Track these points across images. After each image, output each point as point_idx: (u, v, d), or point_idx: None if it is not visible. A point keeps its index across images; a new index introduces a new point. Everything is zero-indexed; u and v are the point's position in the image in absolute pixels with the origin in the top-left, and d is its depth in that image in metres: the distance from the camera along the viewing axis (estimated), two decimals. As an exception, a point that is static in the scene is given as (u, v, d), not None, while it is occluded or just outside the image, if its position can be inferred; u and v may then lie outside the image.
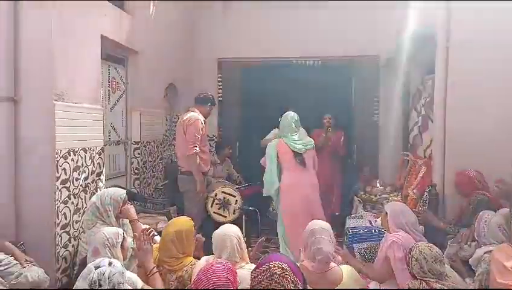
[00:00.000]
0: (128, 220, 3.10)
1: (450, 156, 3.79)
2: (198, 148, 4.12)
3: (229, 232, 2.52)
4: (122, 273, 1.95)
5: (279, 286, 1.67)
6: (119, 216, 3.02)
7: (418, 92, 4.81)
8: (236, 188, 4.72)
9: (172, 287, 2.55)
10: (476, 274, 2.70)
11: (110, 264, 1.92)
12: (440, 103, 3.84)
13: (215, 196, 4.41)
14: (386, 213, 3.06)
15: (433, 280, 2.26)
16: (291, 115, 4.39)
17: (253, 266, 2.19)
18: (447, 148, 3.82)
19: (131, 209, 3.11)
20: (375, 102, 6.31)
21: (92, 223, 2.97)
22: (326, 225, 2.58)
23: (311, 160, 4.31)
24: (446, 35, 3.79)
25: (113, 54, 4.33)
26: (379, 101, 6.31)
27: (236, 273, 1.93)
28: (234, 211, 4.42)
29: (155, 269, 2.55)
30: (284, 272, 1.69)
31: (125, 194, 3.04)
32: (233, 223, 2.83)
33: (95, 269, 1.88)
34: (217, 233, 2.55)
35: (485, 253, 2.70)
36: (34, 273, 2.70)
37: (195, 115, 4.25)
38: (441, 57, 3.82)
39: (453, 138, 3.76)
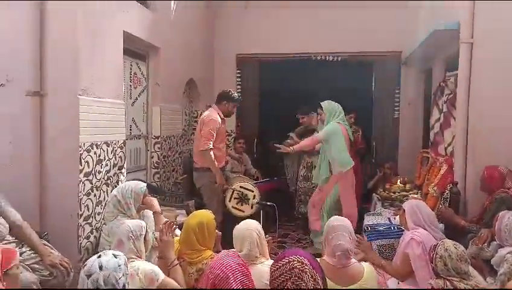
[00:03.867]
0: (148, 213, 3.17)
1: (472, 154, 3.73)
2: (211, 145, 4.16)
3: (250, 228, 2.53)
4: (119, 267, 1.88)
5: (298, 279, 1.68)
6: (142, 207, 3.08)
7: (440, 88, 4.73)
8: (254, 184, 4.74)
9: (192, 279, 2.58)
10: (498, 274, 2.65)
11: (100, 267, 1.84)
12: (463, 100, 3.78)
13: (233, 190, 4.44)
14: (404, 210, 3.04)
15: (457, 279, 2.23)
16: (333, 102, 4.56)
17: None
18: (469, 146, 3.76)
19: (155, 201, 3.18)
20: (396, 99, 6.25)
21: (113, 216, 3.05)
22: (346, 222, 2.57)
23: None
24: (469, 30, 3.72)
25: (135, 50, 4.38)
26: (400, 98, 6.24)
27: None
28: (252, 206, 4.44)
29: (176, 261, 2.59)
30: (303, 266, 1.70)
31: (145, 187, 3.10)
32: (251, 218, 2.85)
33: (88, 278, 1.81)
34: (238, 228, 2.57)
35: (508, 253, 2.66)
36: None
37: (212, 112, 4.33)
38: (464, 53, 3.75)
39: (475, 136, 3.69)
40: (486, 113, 3.60)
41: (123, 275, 1.89)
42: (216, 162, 4.32)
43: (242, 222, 2.66)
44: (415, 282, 2.78)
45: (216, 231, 3.04)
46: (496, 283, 2.65)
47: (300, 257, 1.73)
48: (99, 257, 1.89)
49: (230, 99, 4.48)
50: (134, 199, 3.04)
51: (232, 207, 4.42)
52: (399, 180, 5.08)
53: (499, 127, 3.53)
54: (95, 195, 3.27)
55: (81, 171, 3.09)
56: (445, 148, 4.45)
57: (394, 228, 3.73)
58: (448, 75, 4.45)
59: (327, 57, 6.33)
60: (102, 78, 3.40)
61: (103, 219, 3.35)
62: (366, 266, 2.46)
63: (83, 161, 3.11)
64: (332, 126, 4.45)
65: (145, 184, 3.17)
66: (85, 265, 1.88)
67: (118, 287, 1.85)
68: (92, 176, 3.23)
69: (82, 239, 3.15)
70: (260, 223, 2.69)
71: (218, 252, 2.70)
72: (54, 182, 3.10)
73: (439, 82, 4.82)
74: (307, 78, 7.03)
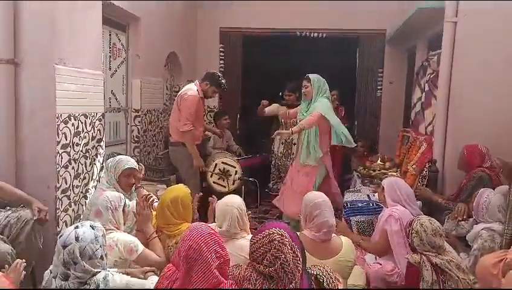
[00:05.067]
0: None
1: (452, 133, 3.78)
2: (191, 126, 4.06)
3: (232, 204, 2.52)
4: (95, 239, 1.84)
5: (277, 251, 1.68)
6: (126, 182, 3.05)
7: (422, 67, 4.75)
8: (236, 160, 4.73)
9: (171, 252, 2.58)
10: (472, 249, 2.73)
11: (77, 239, 1.80)
12: (445, 79, 3.80)
13: (216, 166, 4.42)
14: (383, 188, 3.09)
15: (432, 254, 2.29)
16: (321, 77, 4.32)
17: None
18: (449, 125, 3.81)
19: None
20: (379, 77, 6.26)
21: (104, 181, 3.06)
22: (326, 197, 2.59)
23: None
24: (454, 9, 3.71)
25: (114, 19, 4.24)
26: (383, 77, 6.26)
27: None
28: (234, 181, 4.44)
29: (154, 234, 2.59)
30: (283, 239, 1.71)
31: (128, 167, 3.04)
32: (233, 194, 2.85)
33: (63, 249, 1.78)
34: (220, 203, 2.56)
35: (482, 229, 2.73)
36: None
37: (193, 90, 4.15)
38: (448, 32, 3.75)
39: (456, 115, 3.73)
40: (468, 93, 3.63)
41: (100, 246, 1.86)
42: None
43: (225, 197, 2.64)
44: (392, 258, 2.85)
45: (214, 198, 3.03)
46: (469, 258, 2.73)
47: (280, 229, 1.74)
48: (77, 227, 1.85)
49: (212, 83, 4.26)
50: (114, 169, 3.02)
51: (214, 182, 4.42)
52: (379, 159, 5.14)
53: (480, 107, 3.58)
54: (73, 168, 3.20)
55: (58, 142, 3.01)
56: (426, 128, 4.50)
57: (373, 204, 3.79)
58: (431, 54, 4.46)
59: (311, 34, 6.26)
60: (80, 48, 3.28)
61: (82, 191, 3.31)
62: (344, 240, 2.50)
63: (60, 132, 3.02)
64: (326, 102, 4.25)
65: (133, 166, 3.09)
66: (61, 235, 1.85)
67: (95, 259, 1.83)
68: (69, 148, 3.15)
69: (60, 212, 3.09)
70: (241, 198, 2.68)
71: None
72: (30, 154, 3.01)
73: (422, 61, 4.84)
74: (290, 54, 6.98)
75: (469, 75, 3.62)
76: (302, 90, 4.38)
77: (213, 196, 3.02)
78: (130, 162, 3.10)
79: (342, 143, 4.29)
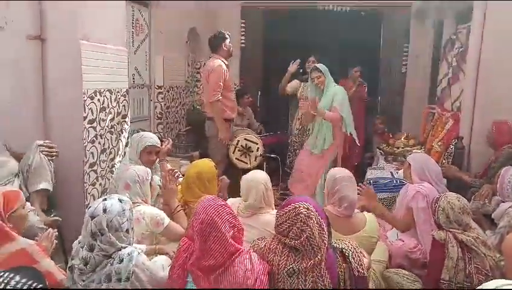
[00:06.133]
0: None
1: (480, 109, 3.68)
2: (220, 96, 4.05)
3: (257, 178, 2.52)
4: (123, 211, 1.86)
5: (304, 225, 1.69)
6: (148, 158, 3.10)
7: (450, 41, 4.60)
8: (258, 137, 4.73)
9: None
10: (498, 227, 2.69)
11: (104, 210, 1.82)
12: (474, 53, 3.67)
13: (238, 142, 4.43)
14: (409, 164, 3.03)
15: (458, 231, 2.26)
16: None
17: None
18: (477, 101, 3.70)
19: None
20: (404, 53, 6.08)
21: (129, 156, 3.16)
22: (347, 172, 2.58)
23: None
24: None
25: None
26: (408, 52, 6.08)
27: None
28: (256, 158, 4.44)
29: (179, 208, 2.63)
30: (309, 212, 1.71)
31: (150, 144, 3.09)
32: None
33: (91, 220, 1.81)
34: (246, 178, 2.56)
35: (509, 207, 2.68)
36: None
37: (217, 61, 4.12)
38: (478, 4, 3.61)
39: (485, 91, 3.62)
40: (498, 67, 3.51)
41: (127, 220, 1.88)
42: (229, 113, 4.23)
43: (250, 172, 2.65)
44: (415, 234, 2.83)
45: (225, 177, 3.07)
46: (495, 236, 2.69)
47: (306, 203, 1.74)
48: (105, 199, 1.88)
49: (225, 39, 4.20)
50: (137, 145, 3.09)
51: (236, 159, 4.43)
52: (403, 136, 5.07)
53: (509, 81, 3.46)
54: (99, 143, 3.27)
55: (85, 118, 3.07)
56: (452, 104, 4.39)
57: (396, 181, 3.75)
58: (459, 27, 4.31)
59: (334, 7, 6.10)
60: (104, 23, 3.29)
61: (108, 166, 3.38)
62: (368, 216, 2.49)
63: (86, 108, 3.08)
64: (342, 90, 4.27)
65: (155, 142, 3.15)
66: (90, 207, 1.88)
67: (121, 232, 1.85)
68: (96, 123, 3.20)
69: (88, 186, 3.17)
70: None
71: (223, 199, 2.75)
72: (57, 129, 3.08)
73: (450, 35, 4.69)
74: (312, 30, 6.84)
75: (500, 49, 3.49)
76: (314, 82, 4.32)
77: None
78: (152, 139, 3.14)
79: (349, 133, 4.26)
